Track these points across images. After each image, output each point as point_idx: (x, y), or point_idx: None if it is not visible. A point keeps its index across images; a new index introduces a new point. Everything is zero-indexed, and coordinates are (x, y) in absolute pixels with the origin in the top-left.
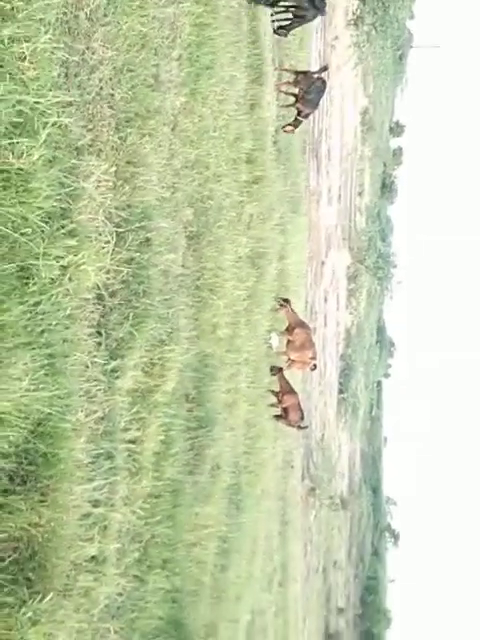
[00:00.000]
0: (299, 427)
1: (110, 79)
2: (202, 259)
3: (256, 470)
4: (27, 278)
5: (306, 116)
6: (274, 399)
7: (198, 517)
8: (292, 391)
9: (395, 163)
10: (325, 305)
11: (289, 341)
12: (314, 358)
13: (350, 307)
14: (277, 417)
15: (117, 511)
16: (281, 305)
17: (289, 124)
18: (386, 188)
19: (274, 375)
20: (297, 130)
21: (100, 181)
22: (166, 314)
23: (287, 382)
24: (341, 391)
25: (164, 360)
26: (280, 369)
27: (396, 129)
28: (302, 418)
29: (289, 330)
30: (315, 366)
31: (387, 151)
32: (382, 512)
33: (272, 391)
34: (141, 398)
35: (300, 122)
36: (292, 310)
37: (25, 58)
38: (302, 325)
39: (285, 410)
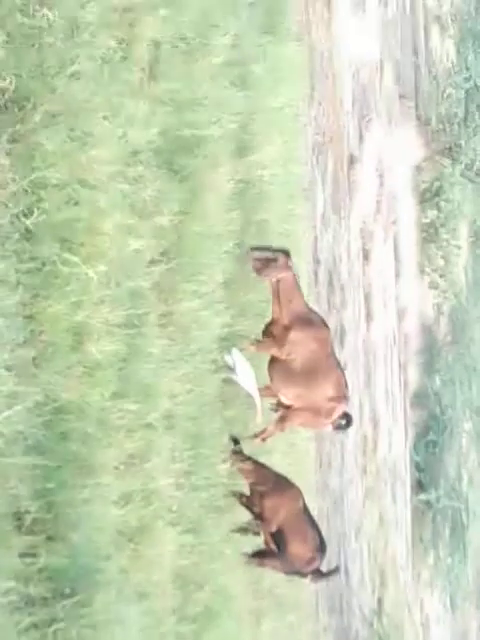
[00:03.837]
0: (316, 574)
1: None
2: None
3: None
4: None
5: None
6: (246, 515)
7: None
8: (284, 486)
9: None
10: (364, 268)
11: (275, 362)
12: (341, 399)
13: (431, 269)
14: (258, 557)
15: None
16: (258, 267)
17: None
18: None
19: (238, 457)
20: None
21: None
22: None
23: (268, 471)
24: (421, 486)
25: None
26: (237, 452)
27: None
28: (321, 550)
29: (276, 333)
30: (348, 420)
31: None
32: None
33: (237, 495)
34: None
35: None
36: (279, 281)
37: None
38: (306, 321)
39: (276, 537)
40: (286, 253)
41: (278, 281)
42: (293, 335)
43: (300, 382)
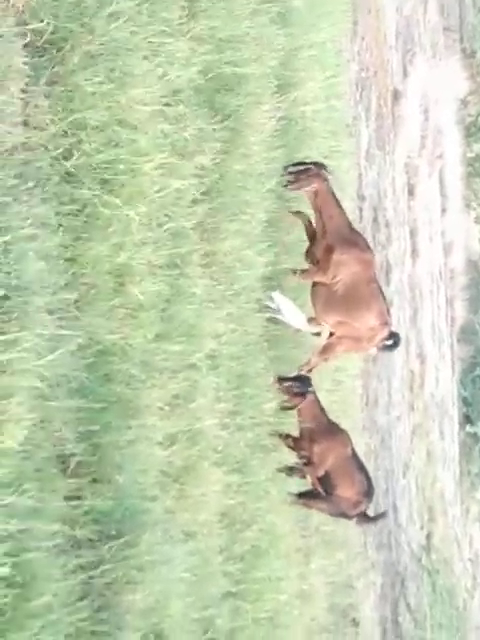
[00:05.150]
0: (362, 517)
1: None
2: None
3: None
4: None
5: None
6: (291, 455)
7: None
8: (334, 431)
9: None
10: (409, 204)
11: (318, 287)
12: (383, 326)
13: (477, 204)
14: (304, 498)
15: None
16: (290, 180)
17: None
18: None
19: (302, 388)
20: None
21: None
22: None
23: (318, 408)
24: (469, 421)
25: None
26: (305, 381)
27: None
28: (368, 495)
29: (319, 255)
30: (395, 340)
31: None
32: None
33: (283, 436)
34: None
35: None
36: (316, 194)
37: None
38: (350, 242)
39: (323, 480)
40: (319, 164)
41: (315, 194)
42: (336, 257)
43: (341, 309)
